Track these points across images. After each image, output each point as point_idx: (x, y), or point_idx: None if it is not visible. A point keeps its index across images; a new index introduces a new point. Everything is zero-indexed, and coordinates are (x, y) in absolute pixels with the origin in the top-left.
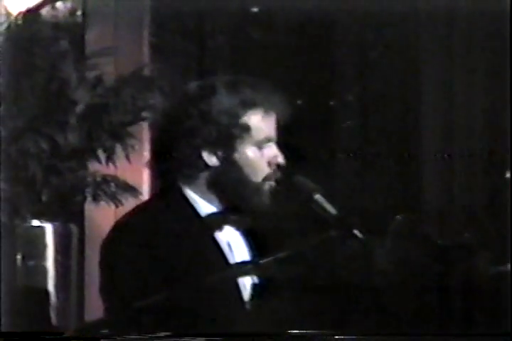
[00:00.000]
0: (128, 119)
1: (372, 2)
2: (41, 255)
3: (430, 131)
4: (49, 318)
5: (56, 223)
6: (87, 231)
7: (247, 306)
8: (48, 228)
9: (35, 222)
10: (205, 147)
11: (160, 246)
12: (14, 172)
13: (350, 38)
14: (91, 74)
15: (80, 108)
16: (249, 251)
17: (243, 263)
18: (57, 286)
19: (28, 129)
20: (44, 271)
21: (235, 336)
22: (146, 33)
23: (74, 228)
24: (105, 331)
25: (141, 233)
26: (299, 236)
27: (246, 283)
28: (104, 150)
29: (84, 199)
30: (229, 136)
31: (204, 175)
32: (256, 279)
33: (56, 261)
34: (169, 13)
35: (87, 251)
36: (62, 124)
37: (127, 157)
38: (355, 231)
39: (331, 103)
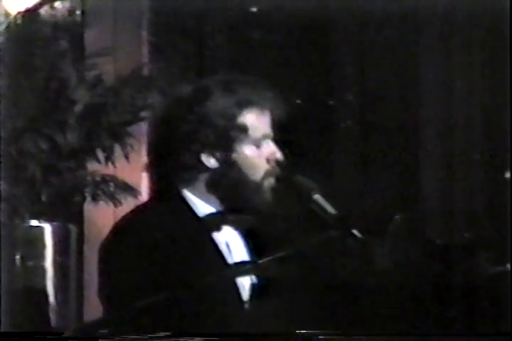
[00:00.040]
0: (127, 119)
1: (372, 2)
2: (40, 255)
3: (430, 131)
4: (48, 318)
5: (55, 223)
6: (86, 231)
7: (246, 306)
8: (47, 228)
9: (34, 222)
10: (204, 150)
11: (159, 246)
12: (13, 172)
13: (349, 37)
14: (90, 74)
15: (79, 108)
16: (247, 251)
17: (242, 263)
18: (56, 286)
19: (27, 129)
20: (43, 271)
21: (234, 336)
22: (145, 33)
23: (73, 228)
24: (104, 331)
25: (140, 234)
26: (297, 236)
27: (245, 283)
28: (104, 150)
29: (84, 199)
30: (226, 137)
31: (203, 177)
32: (255, 279)
33: (55, 261)
34: (168, 13)
35: (86, 251)
36: (61, 124)
37: (126, 157)
38: (355, 231)
39: (331, 102)
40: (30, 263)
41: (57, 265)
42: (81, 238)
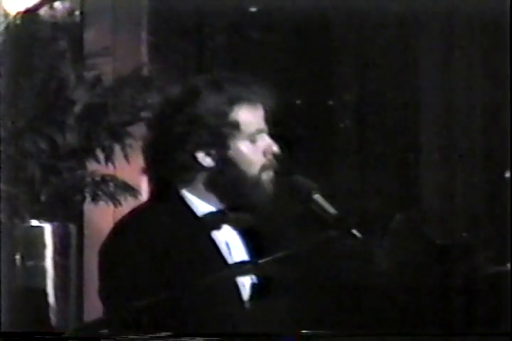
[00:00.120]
0: (127, 119)
1: (372, 2)
2: (40, 255)
3: (430, 131)
4: (48, 318)
5: (55, 223)
6: (86, 231)
7: (246, 306)
8: (47, 228)
9: (34, 222)
10: (199, 149)
11: (158, 246)
12: (13, 172)
13: (349, 37)
14: (90, 74)
15: (78, 108)
16: (247, 251)
17: (242, 263)
18: (56, 286)
19: (27, 129)
20: (43, 271)
21: (234, 336)
22: (144, 33)
23: (73, 228)
24: (104, 331)
25: (140, 234)
26: (297, 236)
27: (245, 283)
28: (103, 150)
29: (83, 199)
30: (220, 135)
31: (201, 176)
32: (255, 279)
33: (55, 261)
34: (167, 13)
35: (86, 251)
36: (60, 124)
37: (126, 157)
38: (355, 231)
39: (330, 102)
40: (30, 263)
41: (57, 265)
42: (81, 238)
